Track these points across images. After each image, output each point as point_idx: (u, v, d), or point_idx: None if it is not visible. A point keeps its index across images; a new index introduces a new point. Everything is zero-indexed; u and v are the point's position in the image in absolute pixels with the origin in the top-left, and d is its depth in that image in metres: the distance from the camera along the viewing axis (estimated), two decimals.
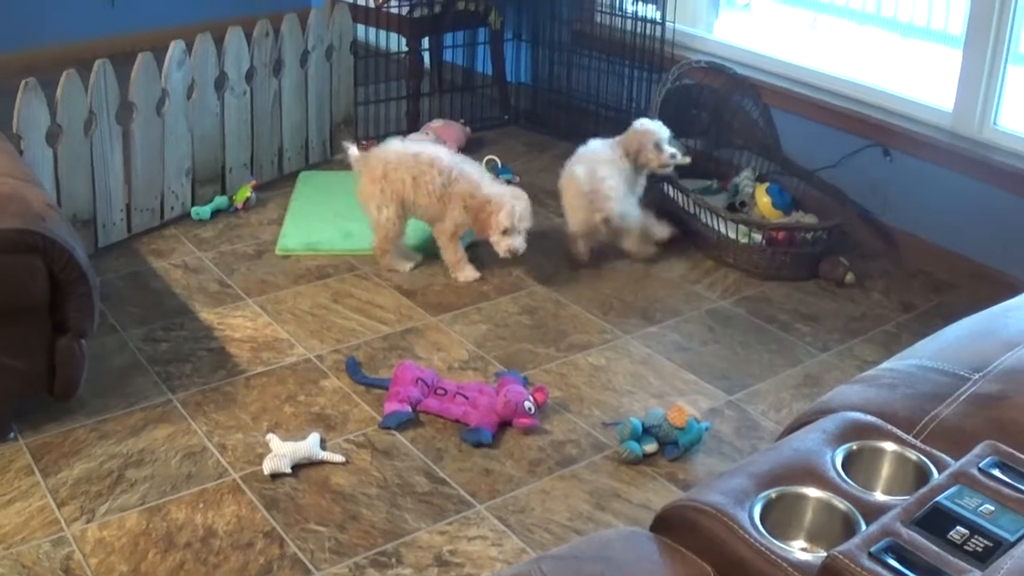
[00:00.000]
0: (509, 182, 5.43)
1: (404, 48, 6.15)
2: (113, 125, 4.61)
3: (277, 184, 5.49)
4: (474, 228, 4.59)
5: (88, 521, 3.17)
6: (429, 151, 4.68)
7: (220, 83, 5.08)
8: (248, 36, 5.17)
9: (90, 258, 3.64)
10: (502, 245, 4.49)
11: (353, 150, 4.69)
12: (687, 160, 4.90)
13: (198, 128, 5.04)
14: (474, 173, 4.63)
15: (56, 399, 3.60)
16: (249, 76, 5.21)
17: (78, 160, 4.49)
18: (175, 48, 4.82)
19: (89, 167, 4.55)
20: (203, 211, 5.09)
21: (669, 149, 4.79)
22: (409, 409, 3.68)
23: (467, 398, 3.72)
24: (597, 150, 4.82)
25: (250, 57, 5.19)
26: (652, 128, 4.81)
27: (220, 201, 5.18)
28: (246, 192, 5.20)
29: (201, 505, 3.25)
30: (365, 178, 4.63)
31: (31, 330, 3.44)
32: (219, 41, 5.05)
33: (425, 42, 6.34)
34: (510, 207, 4.46)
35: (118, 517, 3.19)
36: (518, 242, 4.49)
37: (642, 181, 4.88)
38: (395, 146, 4.73)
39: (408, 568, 3.03)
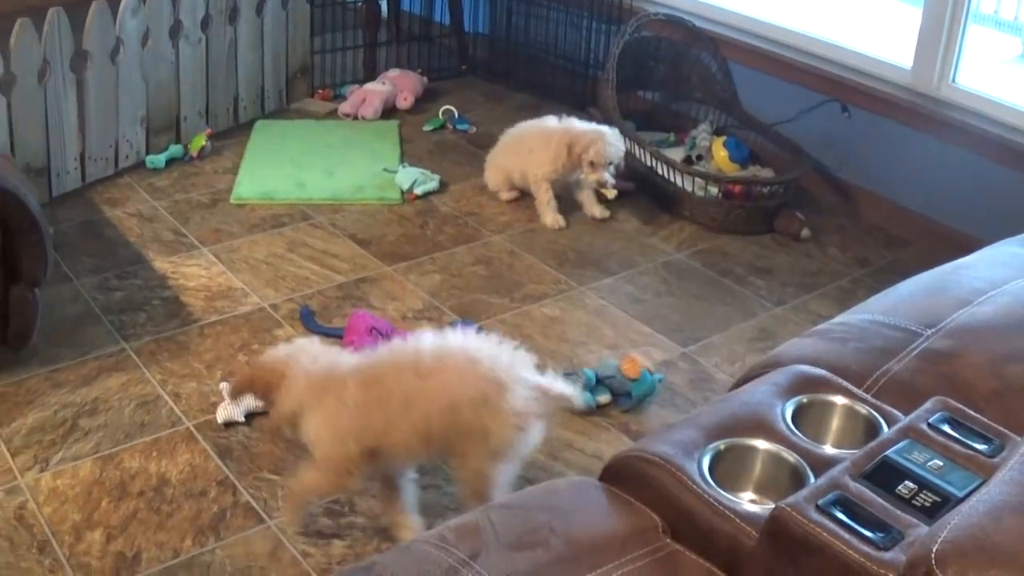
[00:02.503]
0: (466, 132, 5.43)
1: None
2: (67, 73, 4.56)
3: (232, 133, 5.46)
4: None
5: (42, 470, 3.16)
6: None
7: (175, 31, 5.03)
8: None
9: (44, 207, 3.62)
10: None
11: None
12: (612, 192, 4.73)
13: (153, 76, 5.00)
14: None
15: (9, 348, 3.59)
16: (204, 24, 5.16)
17: (32, 109, 4.44)
18: None
19: (43, 116, 4.50)
20: (158, 160, 5.05)
21: (606, 175, 4.61)
22: None
23: None
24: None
25: (205, 5, 5.14)
26: (601, 142, 4.60)
27: (175, 150, 5.14)
28: (201, 141, 5.17)
29: (154, 454, 3.25)
30: None
31: None
32: None
33: None
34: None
35: (71, 466, 3.18)
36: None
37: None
38: None
39: (360, 517, 3.04)
